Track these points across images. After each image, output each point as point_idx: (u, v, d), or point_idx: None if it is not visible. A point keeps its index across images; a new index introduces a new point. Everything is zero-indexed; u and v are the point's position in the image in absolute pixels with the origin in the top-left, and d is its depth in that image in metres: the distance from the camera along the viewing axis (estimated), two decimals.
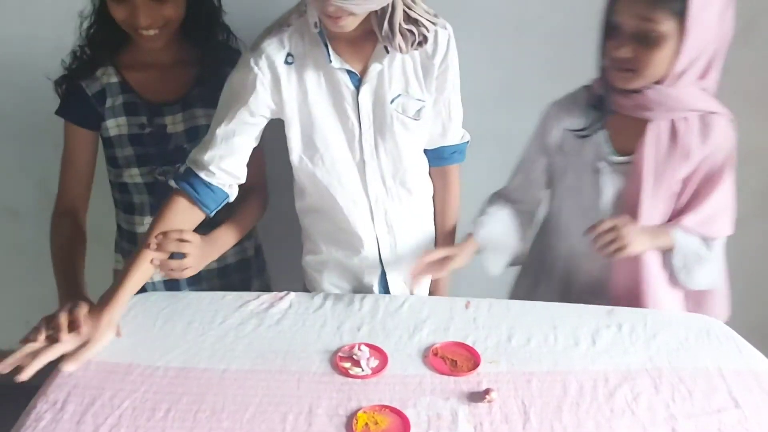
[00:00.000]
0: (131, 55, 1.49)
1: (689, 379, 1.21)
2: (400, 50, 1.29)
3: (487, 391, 1.15)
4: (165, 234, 1.31)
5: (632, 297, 1.40)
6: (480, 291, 1.49)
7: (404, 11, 1.26)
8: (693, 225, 1.37)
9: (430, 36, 1.31)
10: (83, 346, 1.19)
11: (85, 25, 1.47)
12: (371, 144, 1.40)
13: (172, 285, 1.58)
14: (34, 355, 1.15)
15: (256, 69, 1.31)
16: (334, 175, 1.41)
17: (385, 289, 1.52)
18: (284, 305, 1.39)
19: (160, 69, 1.50)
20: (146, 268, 1.30)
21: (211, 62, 1.48)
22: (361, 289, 1.53)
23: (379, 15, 1.26)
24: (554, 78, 1.50)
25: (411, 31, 1.27)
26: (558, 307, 1.39)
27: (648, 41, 1.25)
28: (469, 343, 1.29)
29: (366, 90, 1.36)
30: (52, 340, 1.17)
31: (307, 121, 1.37)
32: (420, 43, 1.30)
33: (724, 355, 1.28)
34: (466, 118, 1.53)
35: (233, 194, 1.39)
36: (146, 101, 1.49)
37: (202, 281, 1.45)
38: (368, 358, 1.23)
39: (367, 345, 1.26)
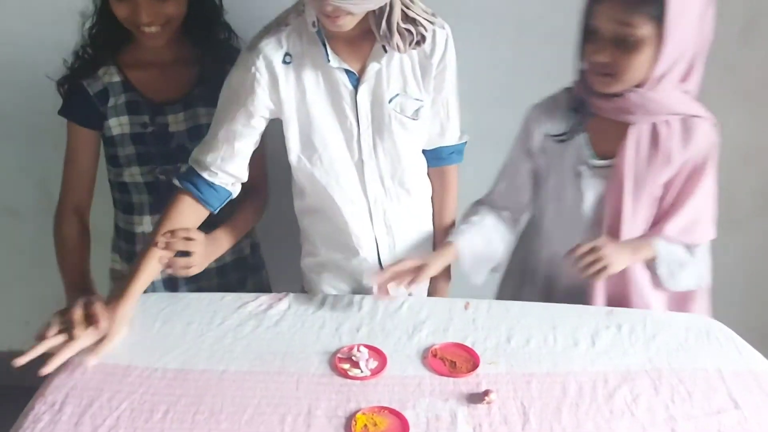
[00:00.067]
0: (133, 54, 1.49)
1: (689, 380, 1.20)
2: (398, 49, 1.28)
3: (486, 393, 1.15)
4: (172, 233, 1.33)
5: (616, 300, 1.40)
6: (478, 291, 1.49)
7: (402, 10, 1.26)
8: (676, 234, 1.36)
9: (428, 35, 1.31)
10: (101, 340, 1.21)
11: (87, 24, 1.47)
12: (369, 144, 1.40)
13: (170, 285, 1.59)
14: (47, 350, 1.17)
15: (253, 69, 1.31)
16: (332, 175, 1.41)
17: None
18: (283, 306, 1.39)
19: (162, 68, 1.50)
20: (155, 264, 1.32)
21: (212, 61, 1.49)
22: (359, 290, 1.52)
23: (377, 14, 1.26)
24: (554, 78, 1.50)
25: (409, 31, 1.27)
26: (557, 308, 1.39)
27: (626, 46, 1.24)
28: (468, 344, 1.28)
29: (364, 89, 1.36)
30: (67, 335, 1.19)
31: (305, 120, 1.37)
32: (418, 43, 1.30)
33: (723, 356, 1.27)
34: (466, 119, 1.53)
35: (236, 191, 1.41)
36: (148, 100, 1.50)
37: (200, 279, 1.46)
38: (367, 360, 1.23)
39: (366, 346, 1.26)
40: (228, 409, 1.12)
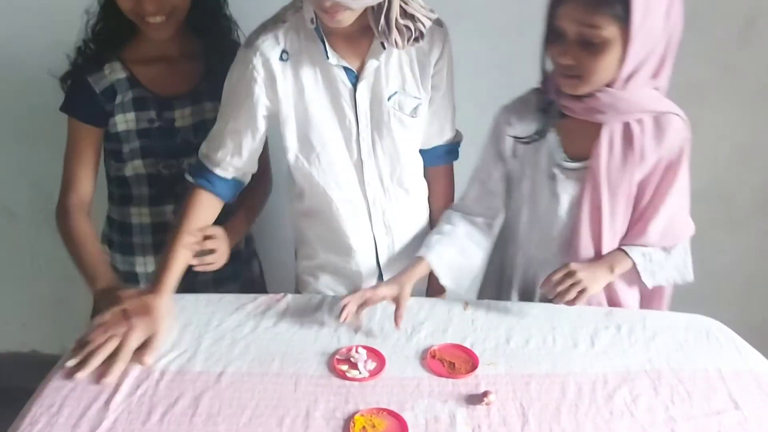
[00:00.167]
0: (137, 49, 1.49)
1: (689, 381, 1.20)
2: (397, 45, 1.28)
3: (485, 394, 1.14)
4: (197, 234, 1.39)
5: (594, 299, 1.39)
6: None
7: (400, 6, 1.25)
8: (657, 239, 1.36)
9: (427, 34, 1.31)
10: (151, 337, 1.23)
11: (91, 22, 1.47)
12: (369, 142, 1.39)
13: None
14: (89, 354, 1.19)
15: (250, 66, 1.31)
16: (330, 175, 1.40)
17: None
18: (281, 307, 1.38)
19: (168, 63, 1.50)
20: (184, 256, 1.35)
21: (215, 54, 1.49)
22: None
23: (375, 10, 1.25)
24: None
25: (407, 27, 1.27)
26: (556, 308, 1.38)
27: (592, 47, 1.21)
28: (467, 345, 1.28)
29: (363, 87, 1.35)
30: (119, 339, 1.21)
31: (303, 118, 1.37)
32: (416, 39, 1.30)
33: (723, 356, 1.27)
34: (466, 118, 1.53)
35: (248, 179, 1.45)
36: (156, 95, 1.50)
37: (197, 273, 1.45)
38: (366, 361, 1.22)
39: (365, 347, 1.25)
40: (226, 411, 1.11)
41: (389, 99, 1.37)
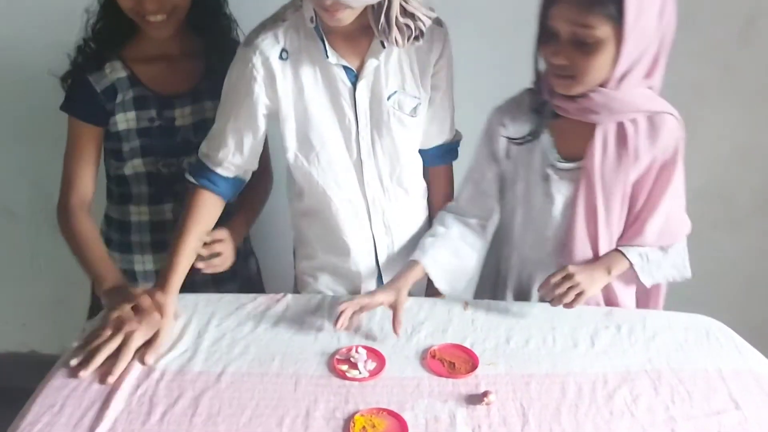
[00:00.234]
0: (137, 48, 1.49)
1: (689, 381, 1.20)
2: (397, 44, 1.28)
3: (485, 394, 1.14)
4: (205, 244, 1.41)
5: (591, 300, 1.39)
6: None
7: (401, 5, 1.25)
8: (654, 239, 1.36)
9: (427, 34, 1.31)
10: (154, 336, 1.24)
11: (92, 21, 1.46)
12: (368, 142, 1.39)
13: None
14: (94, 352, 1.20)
15: (249, 65, 1.31)
16: (330, 174, 1.40)
17: None
18: (281, 307, 1.38)
19: (168, 61, 1.50)
20: (189, 256, 1.36)
21: (216, 53, 1.49)
22: (357, 292, 1.51)
23: (375, 9, 1.25)
24: None
25: (408, 25, 1.27)
26: (556, 308, 1.37)
27: (585, 47, 1.21)
28: (467, 345, 1.28)
29: (363, 86, 1.35)
30: (122, 337, 1.22)
31: (302, 117, 1.36)
32: (416, 38, 1.29)
33: (723, 356, 1.27)
34: (466, 118, 1.53)
35: (249, 177, 1.46)
36: (156, 94, 1.50)
37: (195, 273, 1.45)
38: (366, 361, 1.22)
39: (365, 347, 1.25)
40: (226, 411, 1.11)
41: (389, 98, 1.37)
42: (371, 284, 1.51)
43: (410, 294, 1.45)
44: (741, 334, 1.34)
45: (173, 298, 1.31)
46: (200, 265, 1.40)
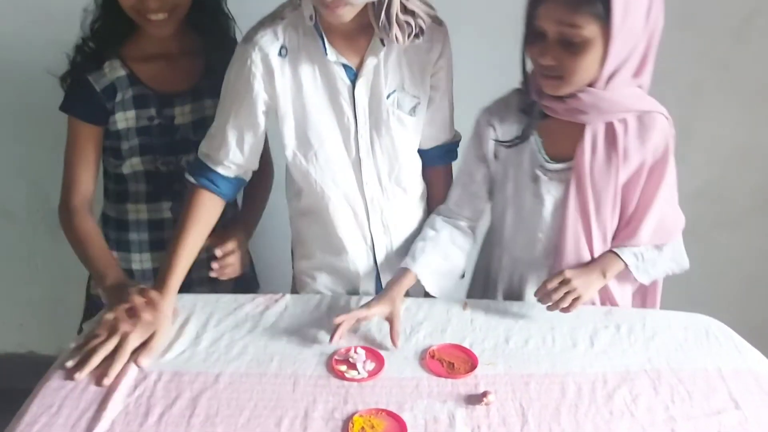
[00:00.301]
0: (136, 46, 1.48)
1: (688, 380, 1.20)
2: (397, 41, 1.28)
3: (484, 394, 1.14)
4: (217, 257, 1.45)
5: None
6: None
7: (401, 2, 1.25)
8: (648, 239, 1.35)
9: (427, 33, 1.31)
10: (150, 338, 1.23)
11: (89, 20, 1.46)
12: (367, 141, 1.39)
13: None
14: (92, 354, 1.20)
15: (249, 62, 1.31)
16: (328, 173, 1.40)
17: (379, 291, 1.50)
18: (279, 308, 1.38)
19: (168, 59, 1.50)
20: (188, 256, 1.35)
21: (214, 51, 1.48)
22: (355, 292, 1.51)
23: (375, 6, 1.25)
24: None
25: (408, 23, 1.27)
26: None
27: (572, 47, 1.20)
28: (466, 345, 1.28)
29: (362, 84, 1.35)
30: (118, 339, 1.21)
31: (301, 115, 1.36)
32: (417, 35, 1.29)
33: (723, 356, 1.27)
34: (465, 118, 1.52)
35: (249, 177, 1.45)
36: (156, 93, 1.49)
37: (191, 271, 1.45)
38: (364, 361, 1.22)
39: (364, 348, 1.25)
40: (224, 412, 1.11)
41: (388, 97, 1.37)
42: (369, 284, 1.50)
43: (409, 294, 1.45)
44: (740, 333, 1.34)
45: (172, 299, 1.30)
46: (213, 274, 1.43)
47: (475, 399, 1.14)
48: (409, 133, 1.42)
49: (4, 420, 1.11)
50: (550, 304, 1.31)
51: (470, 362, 1.23)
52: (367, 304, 1.31)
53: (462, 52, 1.44)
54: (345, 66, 1.33)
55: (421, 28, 1.28)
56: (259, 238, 1.78)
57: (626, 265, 1.36)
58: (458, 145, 1.54)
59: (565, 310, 1.31)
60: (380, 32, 1.28)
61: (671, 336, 1.31)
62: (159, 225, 1.57)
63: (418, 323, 1.34)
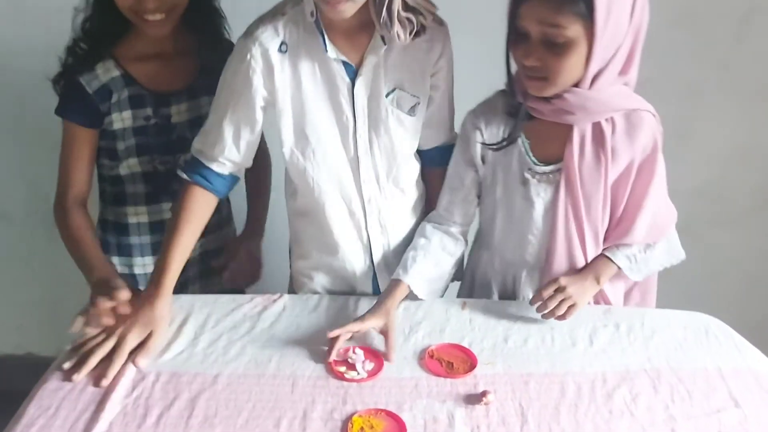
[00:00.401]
0: (130, 46, 1.47)
1: (688, 379, 1.20)
2: (398, 38, 1.27)
3: (483, 393, 1.14)
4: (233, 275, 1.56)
5: None
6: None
7: None
8: (641, 237, 1.35)
9: (428, 33, 1.30)
10: (147, 338, 1.23)
11: (79, 19, 1.44)
12: (365, 140, 1.38)
13: None
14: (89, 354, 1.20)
15: (249, 56, 1.30)
16: (325, 171, 1.39)
17: (376, 291, 1.50)
18: (278, 308, 1.38)
19: (163, 59, 1.49)
20: (182, 255, 1.34)
21: (209, 50, 1.48)
22: (353, 293, 1.50)
23: (377, 2, 1.24)
24: None
25: (409, 20, 1.26)
26: None
27: (556, 48, 1.18)
28: (465, 344, 1.27)
29: (361, 82, 1.34)
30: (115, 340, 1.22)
31: (299, 112, 1.36)
32: (418, 33, 1.29)
33: (723, 355, 1.27)
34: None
35: (242, 175, 1.44)
36: (151, 92, 1.49)
37: (187, 269, 1.44)
38: (363, 361, 1.21)
39: (362, 348, 1.25)
40: (222, 413, 1.11)
41: (387, 96, 1.36)
42: (366, 284, 1.50)
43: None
44: (740, 332, 1.34)
45: (167, 299, 1.30)
46: (228, 285, 1.46)
47: (474, 399, 1.14)
48: (408, 133, 1.41)
49: (3, 422, 1.11)
50: (545, 312, 1.31)
51: (469, 362, 1.23)
52: (362, 317, 1.30)
53: (462, 52, 1.44)
54: (345, 63, 1.33)
55: (422, 26, 1.28)
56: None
57: (619, 268, 1.36)
58: None
59: (561, 317, 1.30)
60: (381, 29, 1.27)
61: (671, 335, 1.31)
62: (160, 227, 1.56)
63: (417, 323, 1.33)
